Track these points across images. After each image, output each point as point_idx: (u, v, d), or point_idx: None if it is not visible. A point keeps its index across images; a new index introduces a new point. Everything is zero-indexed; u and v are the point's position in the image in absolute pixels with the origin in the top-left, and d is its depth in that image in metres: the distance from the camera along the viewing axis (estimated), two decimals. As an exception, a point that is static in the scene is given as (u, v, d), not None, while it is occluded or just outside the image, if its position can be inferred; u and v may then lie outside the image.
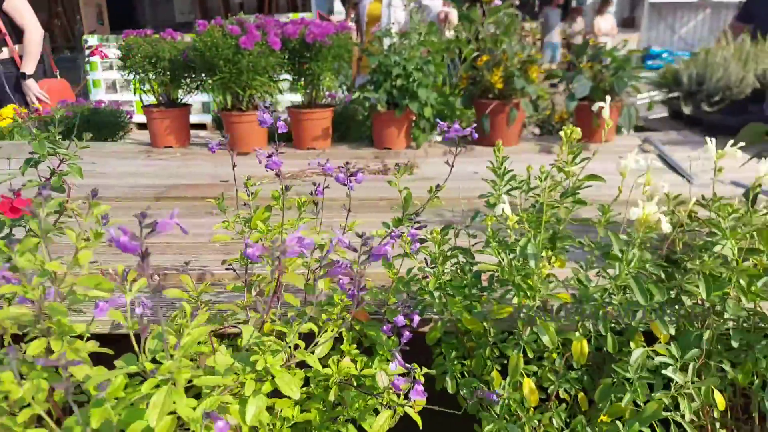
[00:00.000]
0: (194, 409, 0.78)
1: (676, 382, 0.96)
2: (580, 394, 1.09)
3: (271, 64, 2.84)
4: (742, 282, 0.99)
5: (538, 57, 3.04)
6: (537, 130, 3.73)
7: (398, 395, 1.03)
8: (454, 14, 3.87)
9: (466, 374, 1.16)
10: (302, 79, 3.04)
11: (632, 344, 1.02)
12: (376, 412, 1.01)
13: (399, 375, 0.96)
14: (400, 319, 1.10)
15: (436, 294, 1.08)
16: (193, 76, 3.04)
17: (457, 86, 3.14)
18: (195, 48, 2.83)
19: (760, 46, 3.07)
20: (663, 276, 1.05)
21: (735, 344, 0.99)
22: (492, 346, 1.11)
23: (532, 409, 1.09)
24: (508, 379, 1.04)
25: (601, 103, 1.16)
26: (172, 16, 14.84)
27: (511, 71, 2.91)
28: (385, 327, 1.12)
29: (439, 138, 3.61)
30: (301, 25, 2.92)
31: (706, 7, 11.48)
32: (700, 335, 1.00)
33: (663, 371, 0.93)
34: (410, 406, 1.02)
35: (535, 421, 1.09)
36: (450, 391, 1.14)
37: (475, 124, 1.27)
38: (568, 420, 1.10)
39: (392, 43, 3.08)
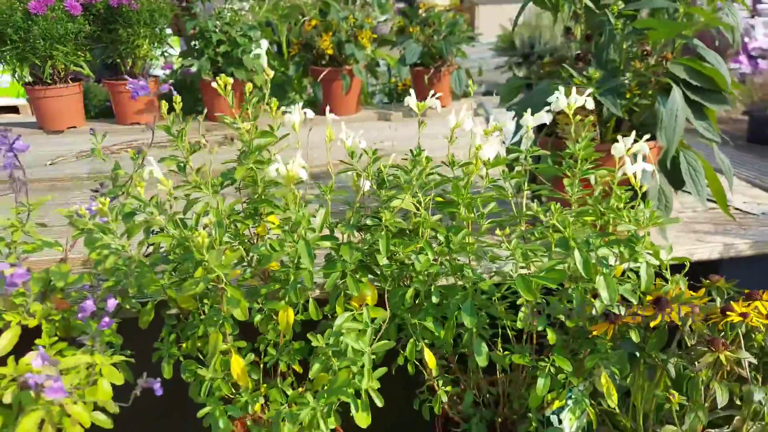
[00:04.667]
0: None
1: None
2: (297, 367, 1.03)
3: (71, 31, 2.57)
4: (439, 237, 0.97)
5: (369, 22, 2.96)
6: (386, 99, 3.69)
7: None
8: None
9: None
10: (116, 48, 2.78)
11: (338, 309, 0.97)
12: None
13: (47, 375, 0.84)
14: (88, 305, 0.99)
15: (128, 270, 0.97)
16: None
17: (289, 53, 3.00)
18: (-22, 14, 2.50)
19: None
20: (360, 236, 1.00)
21: (435, 300, 0.96)
22: (203, 324, 1.02)
23: (250, 386, 1.02)
24: (207, 359, 0.96)
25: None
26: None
27: (339, 36, 2.82)
28: (79, 314, 1.00)
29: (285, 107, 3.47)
30: (106, -12, 2.65)
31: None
32: (404, 293, 0.97)
33: (345, 338, 0.88)
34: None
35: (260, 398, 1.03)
36: (166, 377, 1.05)
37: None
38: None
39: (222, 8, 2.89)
